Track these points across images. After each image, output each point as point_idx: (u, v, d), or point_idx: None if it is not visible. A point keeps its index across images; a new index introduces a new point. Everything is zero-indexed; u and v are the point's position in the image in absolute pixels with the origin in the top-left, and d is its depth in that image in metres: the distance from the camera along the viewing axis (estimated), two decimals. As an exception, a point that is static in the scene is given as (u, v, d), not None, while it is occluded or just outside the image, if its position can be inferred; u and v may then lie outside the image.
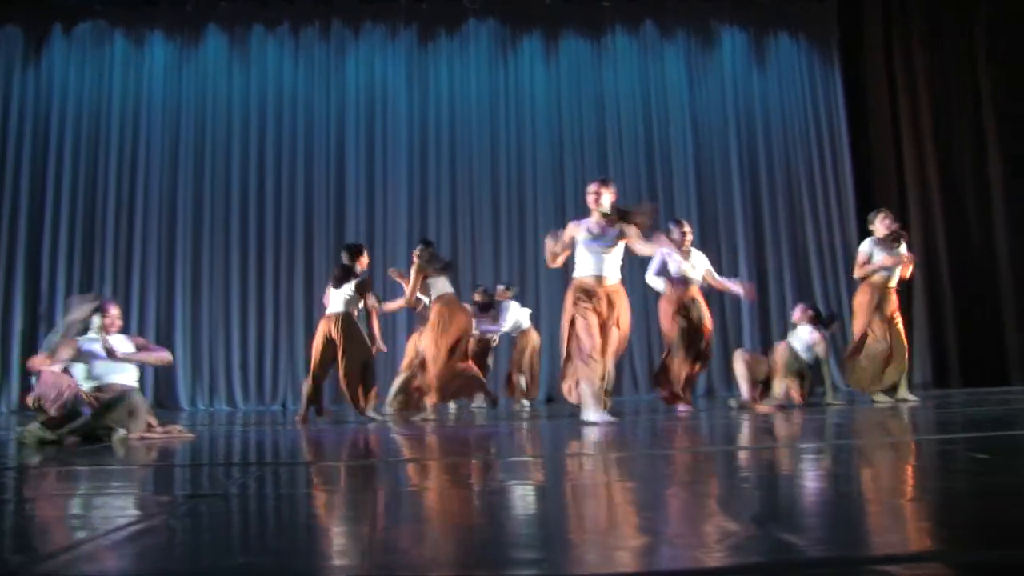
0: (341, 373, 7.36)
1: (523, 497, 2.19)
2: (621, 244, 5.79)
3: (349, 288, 7.43)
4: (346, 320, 7.37)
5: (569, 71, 13.26)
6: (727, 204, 13.00)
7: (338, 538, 1.69)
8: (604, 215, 5.82)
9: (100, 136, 12.56)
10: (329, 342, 7.39)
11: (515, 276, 12.23)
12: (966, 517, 1.76)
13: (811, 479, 2.49)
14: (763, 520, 1.71)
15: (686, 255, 7.24)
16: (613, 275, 5.81)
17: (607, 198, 5.87)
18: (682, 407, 6.95)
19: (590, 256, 5.76)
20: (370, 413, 7.34)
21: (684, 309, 7.09)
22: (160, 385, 11.99)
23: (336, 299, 7.47)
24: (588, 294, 5.74)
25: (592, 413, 5.49)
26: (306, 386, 7.50)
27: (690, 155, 13.12)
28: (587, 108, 13.18)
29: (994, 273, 11.00)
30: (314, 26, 13.06)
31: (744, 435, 4.35)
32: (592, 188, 5.93)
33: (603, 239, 5.74)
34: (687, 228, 7.40)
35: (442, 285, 7.44)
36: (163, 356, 6.10)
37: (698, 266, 7.35)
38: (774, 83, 13.39)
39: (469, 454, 3.64)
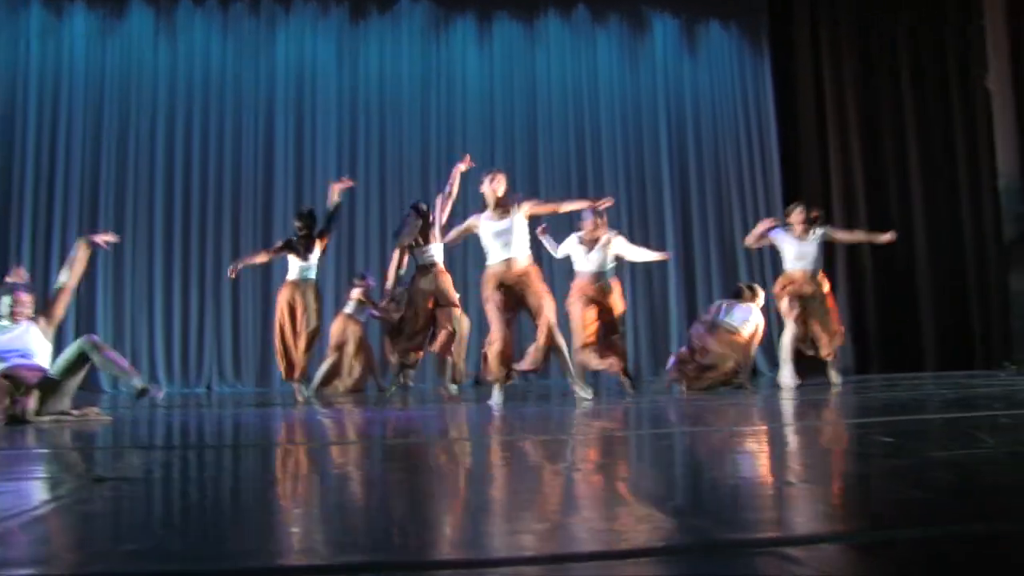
0: (301, 342, 7.45)
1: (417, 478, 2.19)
2: (523, 226, 6.04)
3: (315, 256, 7.64)
4: (314, 288, 7.67)
5: (502, 54, 13.23)
6: (656, 190, 13.13)
7: (236, 522, 1.66)
8: (498, 205, 6.12)
9: (16, 108, 12.12)
10: (292, 310, 7.57)
11: (446, 259, 12.19)
12: (870, 498, 1.80)
13: (715, 463, 2.53)
14: (666, 503, 1.72)
15: (591, 245, 7.13)
16: (522, 257, 6.01)
17: (501, 187, 6.16)
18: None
19: (495, 244, 6.01)
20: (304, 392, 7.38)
21: (587, 300, 6.99)
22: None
23: (300, 267, 7.66)
24: (499, 281, 5.95)
25: (494, 396, 5.83)
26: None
27: (619, 141, 13.21)
28: (519, 91, 13.17)
29: (912, 262, 11.29)
30: (243, 1, 12.80)
31: (655, 419, 4.40)
32: (485, 179, 6.23)
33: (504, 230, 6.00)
34: (599, 220, 7.23)
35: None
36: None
37: (608, 255, 7.18)
38: (705, 72, 13.52)
39: (386, 436, 3.63)
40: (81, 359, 5.51)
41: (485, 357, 6.02)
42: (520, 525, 1.54)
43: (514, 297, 5.92)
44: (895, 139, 11.56)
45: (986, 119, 10.46)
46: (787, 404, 5.31)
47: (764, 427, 3.73)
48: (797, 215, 7.51)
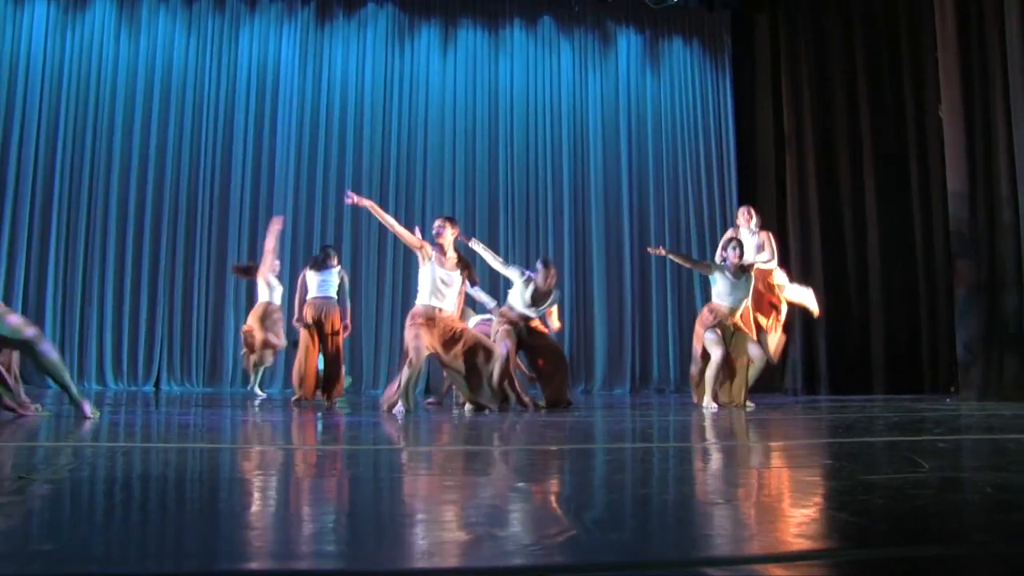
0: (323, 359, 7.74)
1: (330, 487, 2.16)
2: (459, 283, 6.43)
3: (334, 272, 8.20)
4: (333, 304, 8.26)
5: (465, 61, 13.23)
6: (615, 202, 13.18)
7: (140, 525, 1.63)
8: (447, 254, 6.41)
9: (-31, 98, 11.92)
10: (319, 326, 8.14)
11: (400, 263, 12.25)
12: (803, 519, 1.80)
13: (647, 480, 2.53)
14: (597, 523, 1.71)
15: (545, 297, 7.23)
16: (449, 307, 6.37)
17: (450, 235, 6.43)
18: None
19: (434, 287, 6.28)
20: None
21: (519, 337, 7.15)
22: (25, 360, 11.44)
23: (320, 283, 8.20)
24: (428, 320, 6.24)
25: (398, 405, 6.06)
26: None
27: (579, 152, 13.26)
28: (481, 99, 13.18)
29: (864, 285, 11.41)
30: (207, -3, 12.70)
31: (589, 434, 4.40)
32: (437, 224, 6.50)
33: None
34: (552, 272, 7.33)
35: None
36: None
37: (543, 310, 7.36)
38: (666, 87, 13.62)
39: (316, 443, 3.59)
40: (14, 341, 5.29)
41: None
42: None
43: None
44: (851, 161, 11.69)
45: (938, 145, 10.63)
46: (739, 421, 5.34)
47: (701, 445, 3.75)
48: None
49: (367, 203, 6.47)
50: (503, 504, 1.97)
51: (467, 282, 6.67)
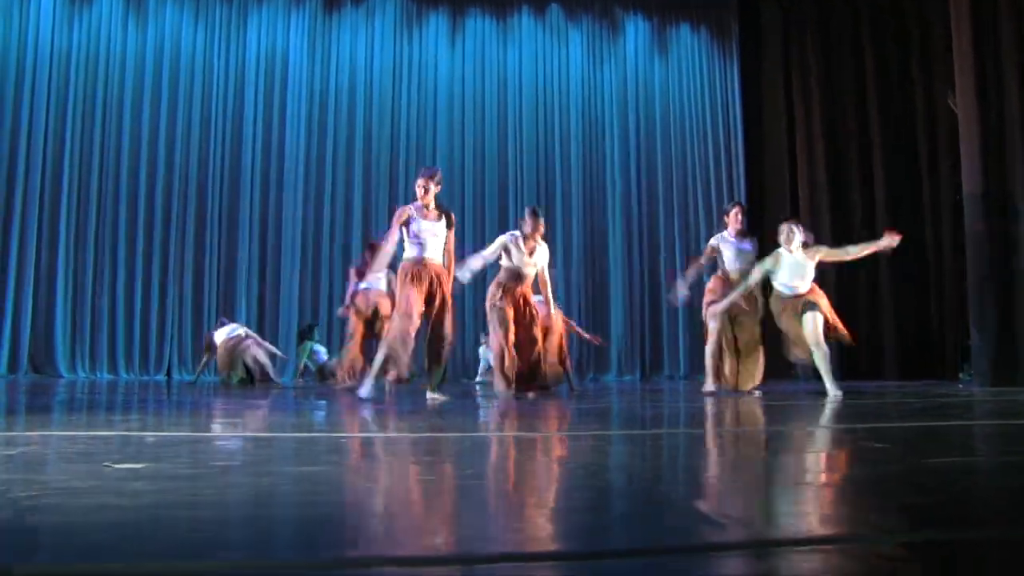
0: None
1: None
2: (444, 234, 6.26)
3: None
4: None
5: (473, 49, 13.25)
6: (624, 187, 13.22)
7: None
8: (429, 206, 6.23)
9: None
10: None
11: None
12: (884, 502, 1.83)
13: (718, 463, 2.56)
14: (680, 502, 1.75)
15: (532, 250, 6.90)
16: (436, 256, 6.21)
17: (433, 191, 6.24)
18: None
19: (417, 243, 6.14)
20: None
21: (510, 299, 6.83)
22: (37, 350, 11.52)
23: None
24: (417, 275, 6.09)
25: (367, 386, 6.01)
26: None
27: (588, 138, 13.29)
28: (490, 86, 13.21)
29: (875, 272, 11.45)
30: (215, -14, 12.69)
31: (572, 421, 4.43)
32: (420, 181, 6.27)
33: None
34: (541, 221, 7.05)
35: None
36: None
37: (539, 262, 6.97)
38: (674, 73, 13.65)
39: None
40: None
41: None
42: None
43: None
44: (860, 147, 11.73)
45: (947, 132, 10.66)
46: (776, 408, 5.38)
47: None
48: (733, 216, 7.59)
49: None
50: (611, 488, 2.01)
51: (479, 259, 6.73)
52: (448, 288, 6.21)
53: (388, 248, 6.33)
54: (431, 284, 6.08)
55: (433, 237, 6.15)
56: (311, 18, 12.87)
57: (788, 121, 12.45)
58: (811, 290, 7.10)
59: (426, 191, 6.19)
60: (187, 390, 8.10)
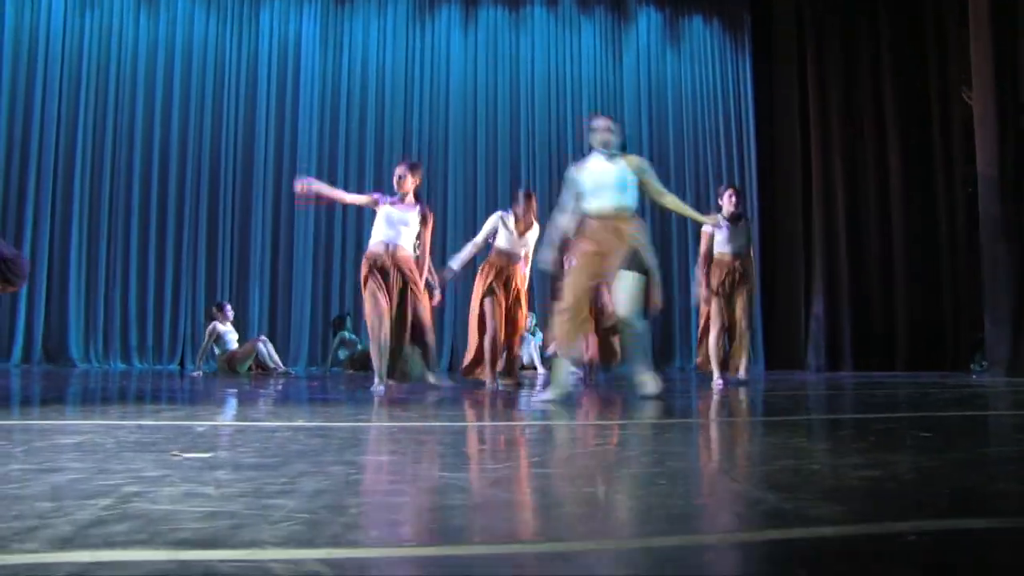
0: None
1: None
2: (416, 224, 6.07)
3: None
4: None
5: (486, 40, 13.23)
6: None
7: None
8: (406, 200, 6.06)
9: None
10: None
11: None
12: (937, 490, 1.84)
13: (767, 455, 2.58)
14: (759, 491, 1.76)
15: (524, 230, 6.83)
16: (406, 244, 5.99)
17: (411, 183, 6.09)
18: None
19: (388, 223, 5.98)
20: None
21: (501, 281, 6.72)
22: (51, 339, 11.55)
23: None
24: (379, 265, 5.91)
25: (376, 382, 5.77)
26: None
27: (600, 130, 13.26)
28: (502, 77, 13.20)
29: (888, 262, 11.48)
30: (227, -24, 12.68)
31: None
32: (399, 171, 6.12)
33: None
34: (534, 202, 7.02)
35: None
36: None
37: (530, 244, 6.89)
38: (686, 64, 13.64)
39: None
40: None
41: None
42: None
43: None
44: (875, 138, 11.73)
45: (961, 124, 10.69)
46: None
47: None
48: (728, 199, 7.70)
49: (316, 186, 6.11)
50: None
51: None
52: (415, 276, 5.99)
53: (340, 194, 6.47)
54: (390, 273, 5.87)
55: (402, 225, 5.96)
56: (323, 8, 12.86)
57: (801, 112, 12.44)
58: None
59: (402, 180, 6.08)
60: (210, 380, 8.13)
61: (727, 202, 7.59)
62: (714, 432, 3.27)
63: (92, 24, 12.24)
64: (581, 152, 12.91)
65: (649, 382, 4.77)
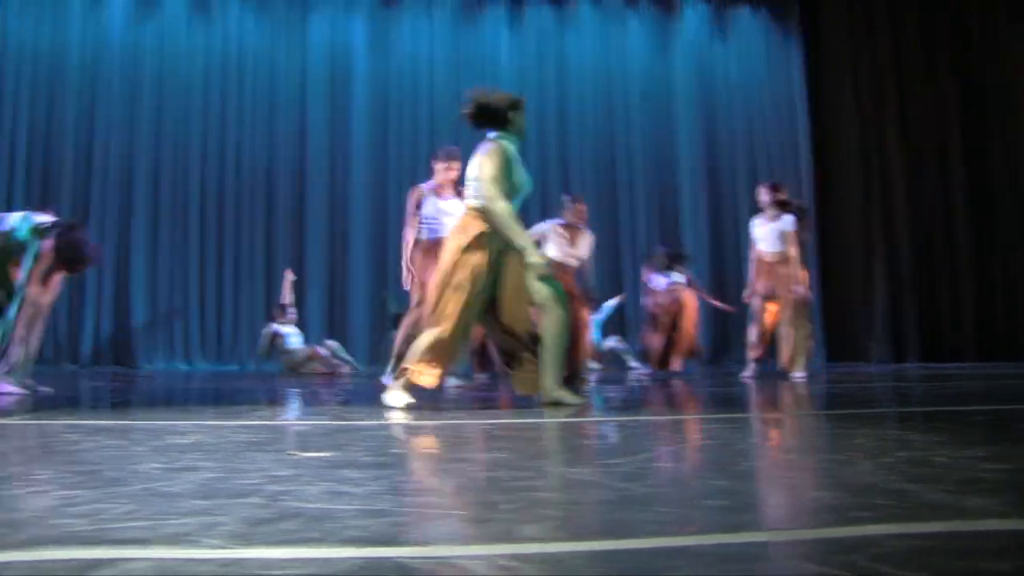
0: None
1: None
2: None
3: None
4: None
5: (533, 38, 13.23)
6: (688, 175, 13.15)
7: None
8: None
9: (56, 89, 12.13)
10: None
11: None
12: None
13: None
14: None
15: (574, 238, 6.72)
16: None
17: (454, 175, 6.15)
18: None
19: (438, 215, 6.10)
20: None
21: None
22: (118, 341, 11.77)
23: None
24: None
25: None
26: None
27: (649, 125, 13.23)
28: (550, 75, 13.19)
29: (954, 251, 11.32)
30: (276, -17, 12.81)
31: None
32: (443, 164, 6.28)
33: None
34: (582, 206, 6.92)
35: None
36: None
37: (582, 253, 6.75)
38: (734, 57, 13.53)
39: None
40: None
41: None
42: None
43: None
44: (935, 124, 11.55)
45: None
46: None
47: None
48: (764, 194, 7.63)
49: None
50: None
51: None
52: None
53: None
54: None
55: (449, 216, 5.92)
56: (371, 12, 12.95)
57: (855, 99, 12.27)
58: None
59: (450, 170, 6.29)
60: (277, 380, 8.23)
61: (762, 200, 7.57)
62: (814, 425, 3.25)
63: (148, 35, 12.44)
64: (630, 147, 12.96)
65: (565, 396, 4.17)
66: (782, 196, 7.54)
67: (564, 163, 12.99)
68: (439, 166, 6.42)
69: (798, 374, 7.13)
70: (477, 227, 4.26)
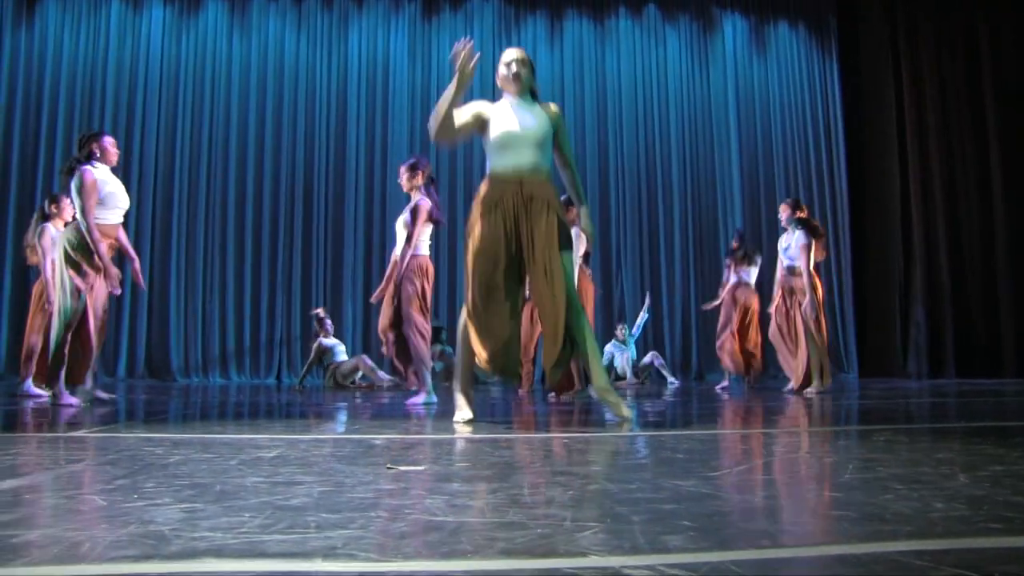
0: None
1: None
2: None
3: None
4: None
5: (572, 52, 13.28)
6: (726, 189, 13.15)
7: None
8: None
9: (95, 103, 12.32)
10: None
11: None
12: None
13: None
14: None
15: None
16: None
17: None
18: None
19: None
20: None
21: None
22: (154, 356, 11.84)
23: None
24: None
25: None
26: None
27: (688, 140, 13.25)
28: (589, 89, 13.25)
29: (992, 265, 11.23)
30: (316, -3, 12.93)
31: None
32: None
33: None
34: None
35: None
36: None
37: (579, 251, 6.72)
38: (774, 72, 13.54)
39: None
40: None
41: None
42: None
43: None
44: (974, 139, 11.49)
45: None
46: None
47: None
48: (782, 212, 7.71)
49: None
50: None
51: None
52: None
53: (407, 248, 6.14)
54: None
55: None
56: (410, 24, 13.04)
57: (896, 114, 12.21)
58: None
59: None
60: (321, 394, 8.24)
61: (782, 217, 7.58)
62: (884, 439, 3.22)
63: (188, 47, 12.59)
64: (668, 160, 12.95)
65: (619, 403, 4.08)
66: (803, 214, 7.55)
67: (603, 176, 13.00)
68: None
69: (811, 390, 7.11)
70: (482, 191, 4.25)
